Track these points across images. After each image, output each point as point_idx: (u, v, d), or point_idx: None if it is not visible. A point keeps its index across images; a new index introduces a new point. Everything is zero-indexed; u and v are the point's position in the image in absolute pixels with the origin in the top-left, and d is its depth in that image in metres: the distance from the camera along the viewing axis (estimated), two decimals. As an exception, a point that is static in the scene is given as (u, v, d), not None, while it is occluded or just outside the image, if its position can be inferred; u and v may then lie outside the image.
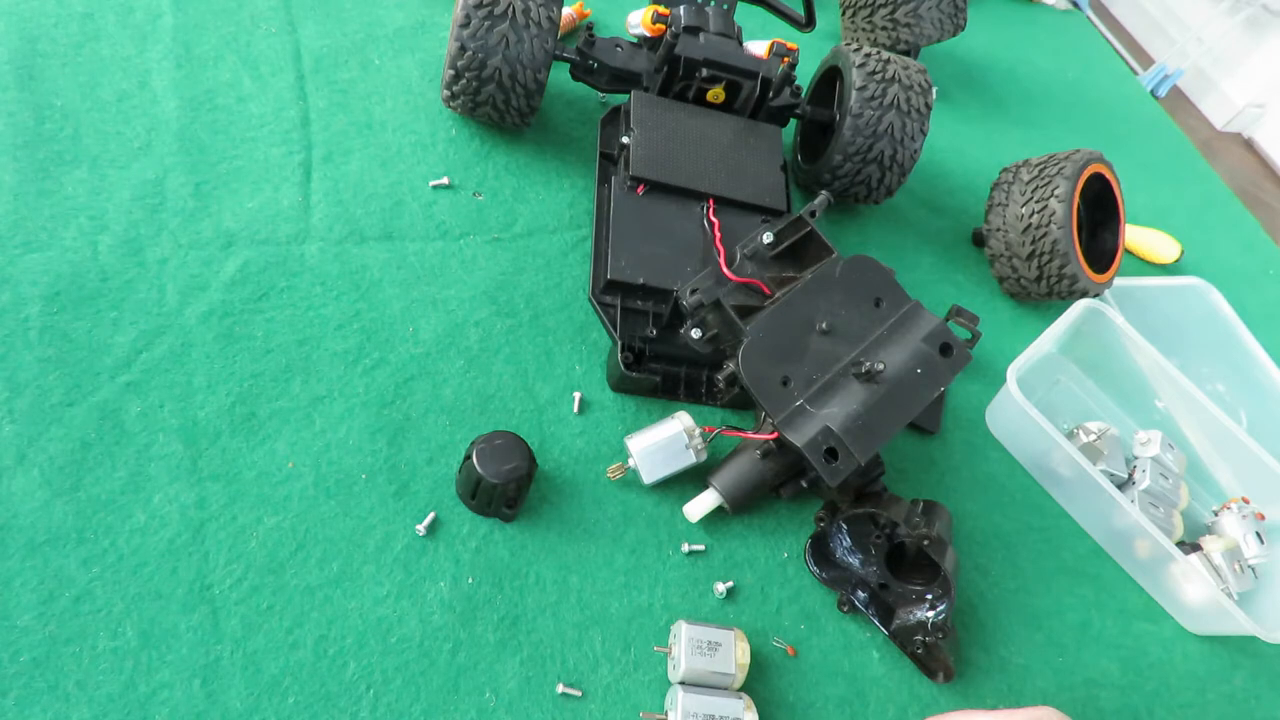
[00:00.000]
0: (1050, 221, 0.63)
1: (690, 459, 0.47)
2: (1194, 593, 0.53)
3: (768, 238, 0.51)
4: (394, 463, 0.45)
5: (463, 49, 0.53)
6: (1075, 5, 1.20)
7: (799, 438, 0.42)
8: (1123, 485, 0.58)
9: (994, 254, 0.69)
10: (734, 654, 0.41)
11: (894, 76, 0.62)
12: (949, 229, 0.73)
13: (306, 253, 0.51)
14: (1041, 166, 0.66)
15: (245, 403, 0.44)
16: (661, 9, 0.60)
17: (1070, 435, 0.60)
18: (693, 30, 0.58)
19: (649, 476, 0.47)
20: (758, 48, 0.67)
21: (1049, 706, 0.38)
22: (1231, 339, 0.72)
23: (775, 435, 0.45)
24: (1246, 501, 0.60)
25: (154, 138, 0.53)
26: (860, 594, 0.48)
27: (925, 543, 0.45)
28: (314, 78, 0.60)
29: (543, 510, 0.46)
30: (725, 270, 0.50)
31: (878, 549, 0.48)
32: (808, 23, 0.68)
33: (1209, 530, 0.60)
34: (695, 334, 0.45)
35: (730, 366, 0.44)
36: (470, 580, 0.42)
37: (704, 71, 0.58)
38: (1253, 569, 0.56)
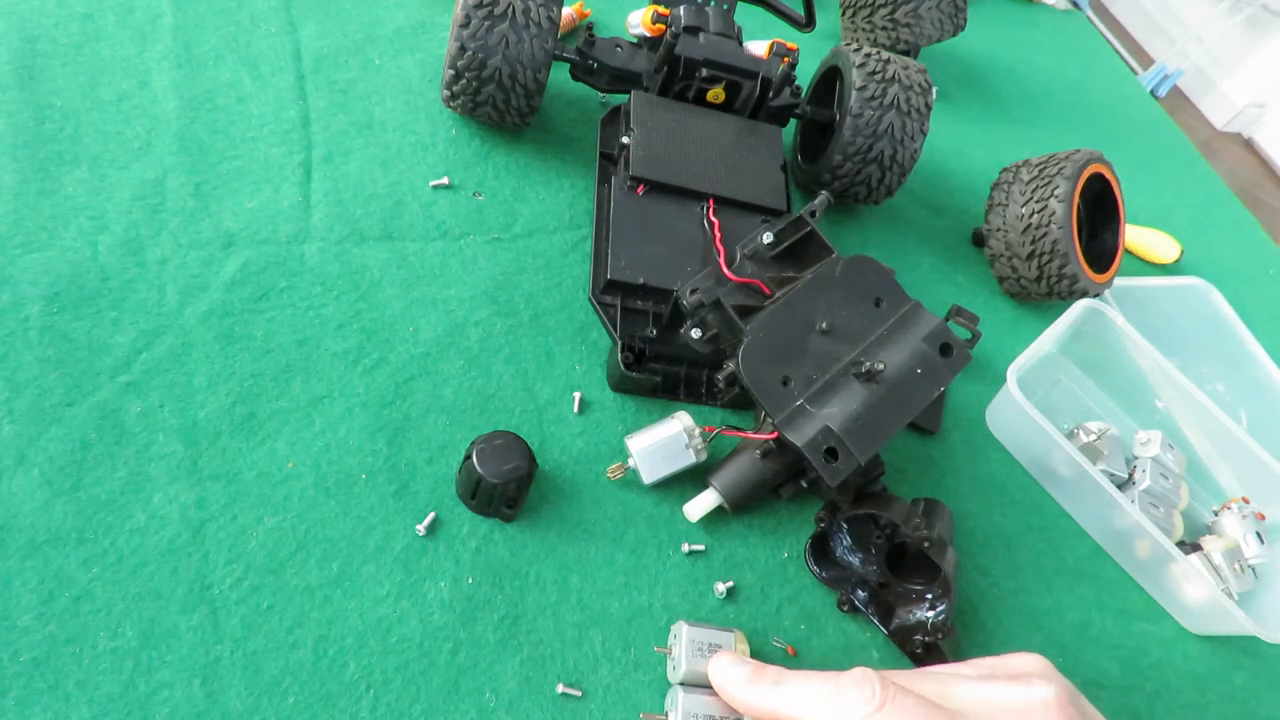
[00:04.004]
0: (1050, 221, 0.63)
1: (690, 459, 0.47)
2: (1194, 593, 0.53)
3: (768, 238, 0.51)
4: (394, 463, 0.45)
5: (463, 49, 0.53)
6: (1075, 5, 1.20)
7: (799, 438, 0.42)
8: (1123, 485, 0.58)
9: (994, 254, 0.69)
10: (734, 654, 0.41)
11: (894, 76, 0.62)
12: (949, 229, 0.73)
13: (306, 253, 0.51)
14: (1041, 166, 0.66)
15: (245, 403, 0.44)
16: (661, 9, 0.60)
17: (1070, 435, 0.60)
18: (693, 30, 0.58)
19: (649, 476, 0.47)
20: (758, 48, 0.67)
21: (1035, 654, 0.37)
22: (1231, 339, 0.72)
23: (775, 435, 0.45)
24: (1246, 501, 0.60)
25: (154, 138, 0.53)
26: (860, 593, 0.48)
27: (925, 545, 0.45)
28: (314, 78, 0.60)
29: (543, 510, 0.46)
30: (725, 270, 0.50)
31: (878, 549, 0.48)
32: (808, 23, 0.68)
33: (1209, 530, 0.60)
34: (695, 334, 0.45)
35: (730, 366, 0.44)
36: (470, 580, 0.42)
37: (704, 71, 0.58)
38: (1253, 569, 0.56)
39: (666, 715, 0.40)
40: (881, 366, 0.44)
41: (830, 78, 0.67)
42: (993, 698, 0.34)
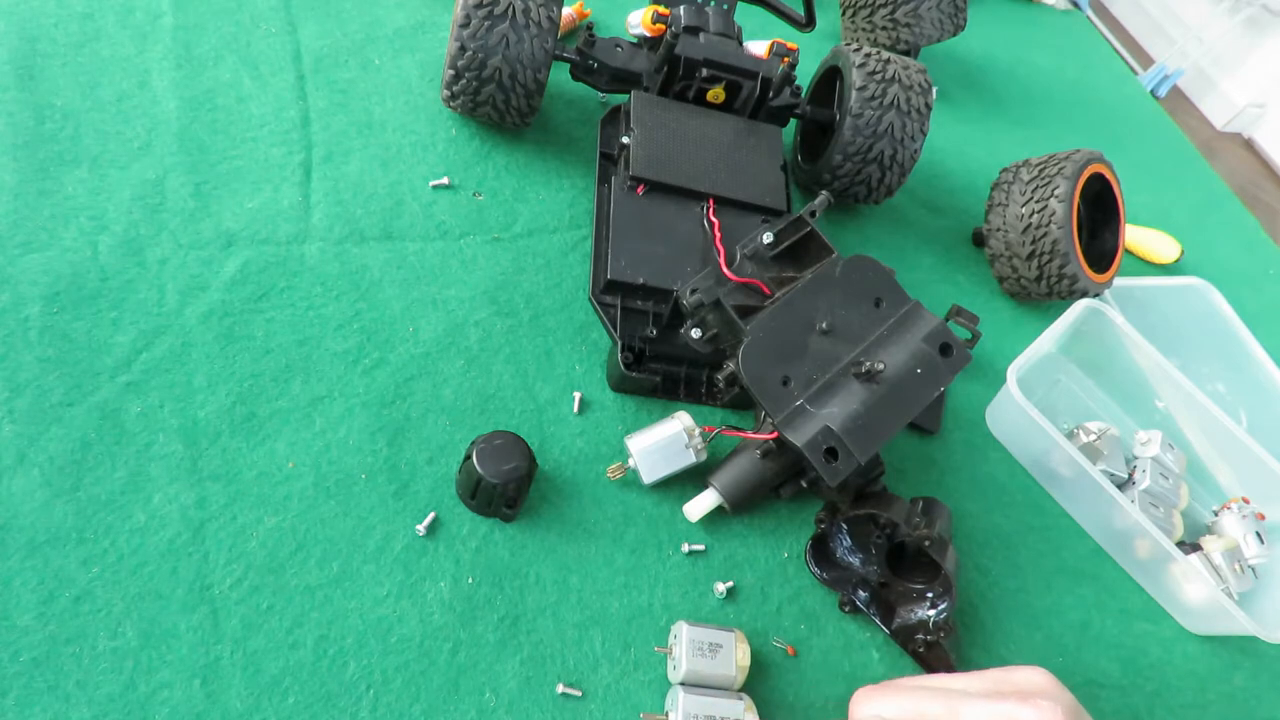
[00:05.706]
0: (1050, 221, 0.63)
1: (690, 459, 0.47)
2: (1194, 593, 0.53)
3: (768, 238, 0.51)
4: (394, 463, 0.45)
5: (463, 49, 0.53)
6: (1075, 5, 1.20)
7: (799, 438, 0.42)
8: (1123, 485, 0.58)
9: (994, 254, 0.69)
10: (734, 656, 0.41)
11: (894, 76, 0.62)
12: (949, 229, 0.73)
13: (306, 253, 0.51)
14: (1041, 166, 0.66)
15: (245, 403, 0.44)
16: (661, 9, 0.60)
17: (1070, 435, 0.60)
18: (693, 30, 0.58)
19: (649, 476, 0.47)
20: (758, 48, 0.67)
21: (1039, 667, 0.38)
22: (1231, 339, 0.72)
23: (775, 435, 0.45)
24: (1246, 501, 0.60)
25: (154, 138, 0.53)
26: (861, 593, 0.48)
27: (926, 543, 0.45)
28: (314, 78, 0.60)
29: (543, 510, 0.46)
30: (725, 270, 0.50)
31: (878, 548, 0.48)
32: (808, 23, 0.68)
33: (1209, 530, 0.60)
34: (695, 334, 0.45)
35: (730, 366, 0.44)
36: (470, 580, 0.42)
37: (704, 71, 0.58)
38: (1253, 569, 0.56)
39: (666, 715, 0.40)
40: (881, 366, 0.44)
41: (830, 78, 0.67)
42: (1000, 719, 0.34)
